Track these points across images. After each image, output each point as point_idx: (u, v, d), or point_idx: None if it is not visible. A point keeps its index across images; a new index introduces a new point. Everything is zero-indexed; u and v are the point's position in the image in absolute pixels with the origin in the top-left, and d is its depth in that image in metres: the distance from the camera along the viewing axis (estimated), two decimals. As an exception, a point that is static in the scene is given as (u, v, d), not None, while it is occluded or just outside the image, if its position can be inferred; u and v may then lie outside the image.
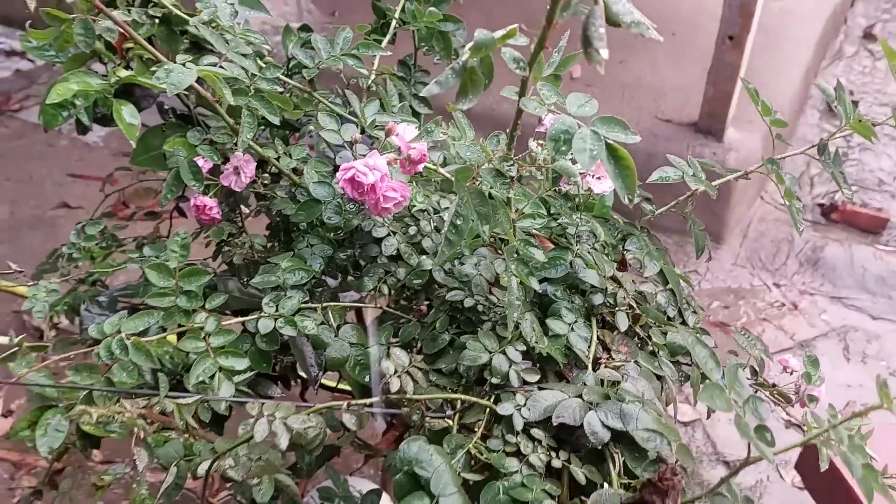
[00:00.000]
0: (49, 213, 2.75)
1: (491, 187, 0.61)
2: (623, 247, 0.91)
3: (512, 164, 0.62)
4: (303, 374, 1.12)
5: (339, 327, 0.81)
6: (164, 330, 1.01)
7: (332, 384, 1.52)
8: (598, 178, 0.79)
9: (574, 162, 0.74)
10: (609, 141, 0.54)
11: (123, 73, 0.88)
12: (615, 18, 0.45)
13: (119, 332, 0.70)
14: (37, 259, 1.21)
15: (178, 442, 0.81)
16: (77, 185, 2.89)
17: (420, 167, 0.73)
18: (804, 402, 0.82)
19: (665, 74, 2.91)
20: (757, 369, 0.85)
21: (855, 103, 3.42)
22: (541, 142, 0.73)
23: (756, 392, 0.85)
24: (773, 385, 0.84)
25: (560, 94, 0.59)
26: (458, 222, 0.61)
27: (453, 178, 0.61)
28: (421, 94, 1.05)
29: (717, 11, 2.39)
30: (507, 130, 0.62)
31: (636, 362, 0.76)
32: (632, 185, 0.54)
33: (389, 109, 0.95)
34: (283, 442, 0.61)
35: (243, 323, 0.79)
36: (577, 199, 0.82)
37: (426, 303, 0.91)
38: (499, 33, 0.51)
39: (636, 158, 1.04)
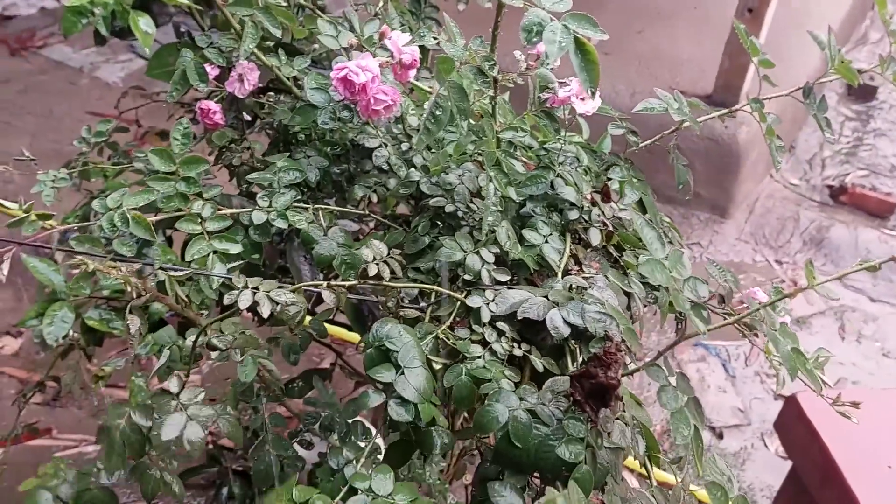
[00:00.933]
0: (67, 148, 2.81)
1: (473, 85, 0.64)
2: (606, 176, 0.95)
3: (493, 64, 0.65)
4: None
5: (328, 228, 0.86)
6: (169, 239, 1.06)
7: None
8: (582, 98, 0.82)
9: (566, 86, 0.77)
10: (577, 35, 0.57)
11: (141, -18, 0.92)
12: None
13: (121, 206, 0.75)
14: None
15: (171, 328, 0.86)
16: (95, 123, 2.95)
17: (411, 73, 0.76)
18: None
19: (683, 46, 2.91)
20: (724, 297, 0.88)
21: (874, 88, 3.35)
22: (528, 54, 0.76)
23: (724, 319, 0.89)
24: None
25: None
26: (438, 113, 0.65)
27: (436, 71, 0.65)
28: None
29: (740, -13, 2.38)
30: (490, 29, 0.66)
31: (606, 276, 0.80)
32: (594, 79, 0.58)
33: (390, 30, 0.99)
34: (265, 311, 0.65)
35: (238, 217, 0.83)
36: (561, 119, 0.85)
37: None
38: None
39: (649, 127, 1.08)
